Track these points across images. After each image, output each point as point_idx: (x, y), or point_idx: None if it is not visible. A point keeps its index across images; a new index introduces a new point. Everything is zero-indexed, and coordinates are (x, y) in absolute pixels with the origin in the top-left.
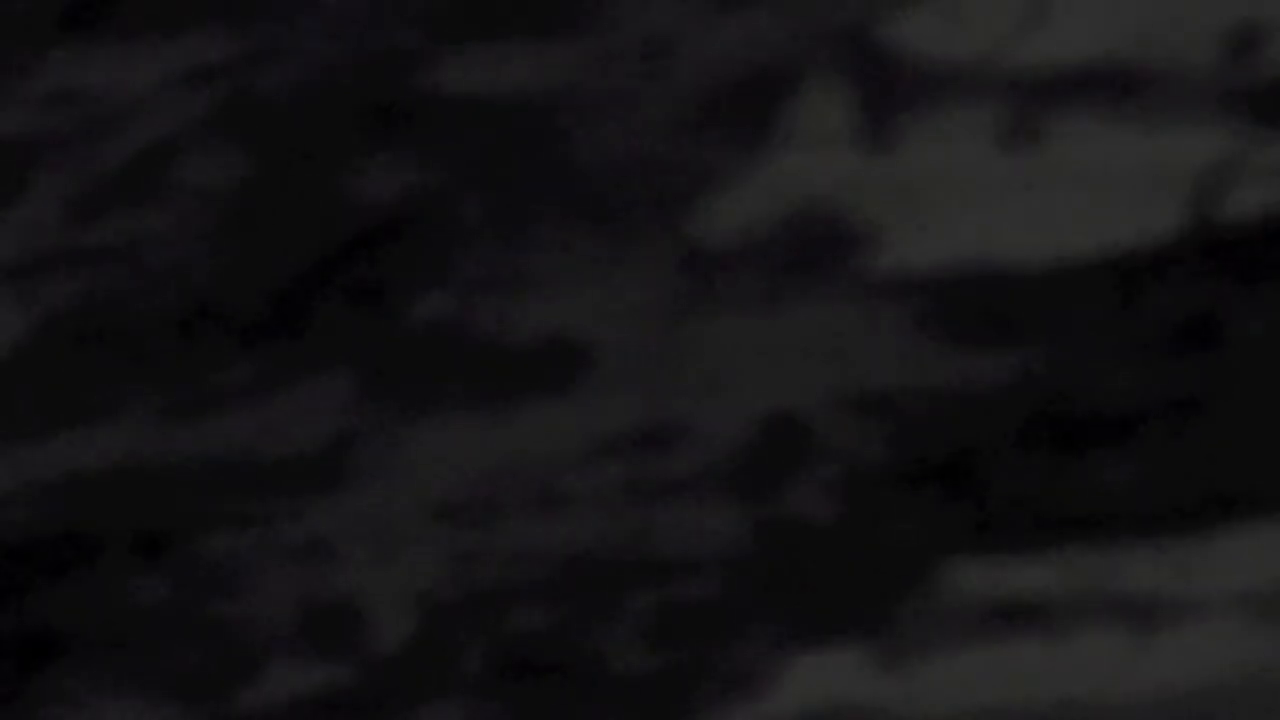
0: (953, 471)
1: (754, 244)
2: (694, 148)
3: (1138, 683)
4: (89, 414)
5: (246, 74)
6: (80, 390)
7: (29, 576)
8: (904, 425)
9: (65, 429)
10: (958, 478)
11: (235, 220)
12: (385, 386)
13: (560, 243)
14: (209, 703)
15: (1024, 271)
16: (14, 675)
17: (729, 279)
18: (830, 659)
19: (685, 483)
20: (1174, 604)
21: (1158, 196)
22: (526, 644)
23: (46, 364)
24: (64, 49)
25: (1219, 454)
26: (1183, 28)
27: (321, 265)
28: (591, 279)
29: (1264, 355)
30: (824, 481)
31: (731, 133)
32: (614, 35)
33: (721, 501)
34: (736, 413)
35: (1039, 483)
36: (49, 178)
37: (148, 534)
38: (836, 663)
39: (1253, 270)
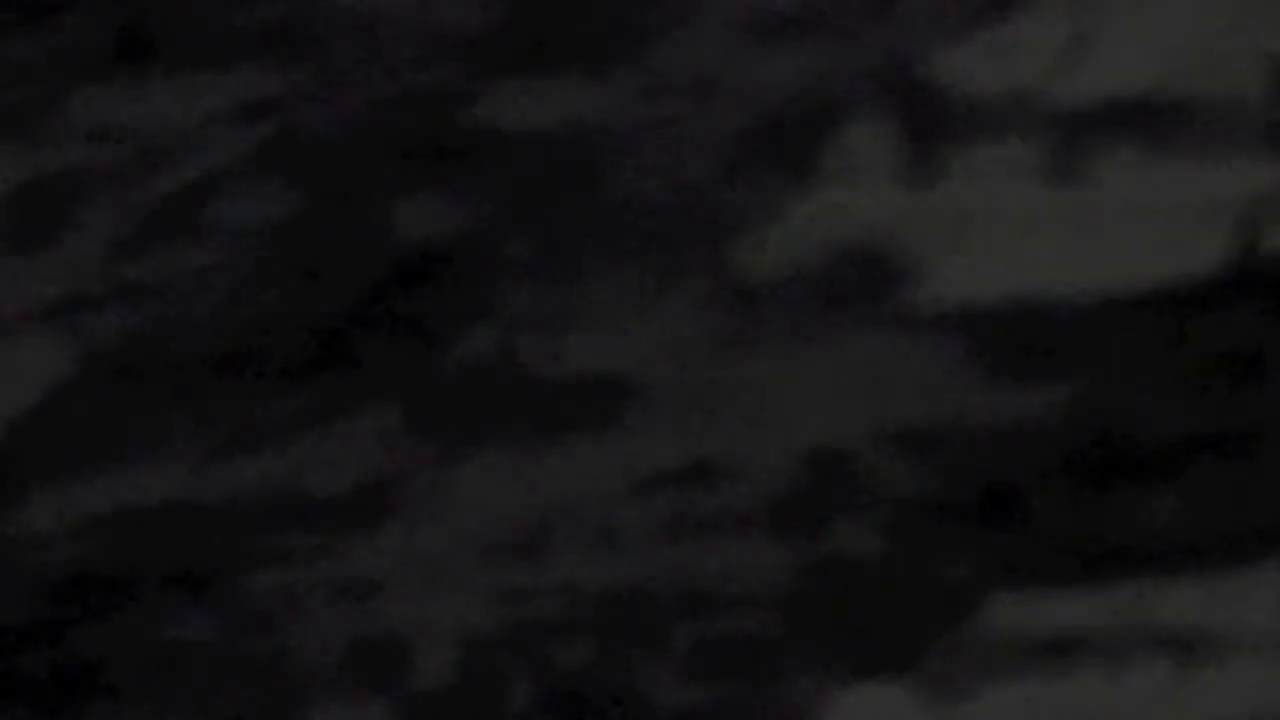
0: (997, 506)
1: (798, 279)
2: (739, 182)
3: (1181, 717)
4: (133, 451)
5: (292, 110)
6: (125, 427)
7: (72, 613)
8: (948, 460)
9: (109, 466)
10: (1002, 512)
11: (280, 256)
12: (430, 423)
13: (605, 278)
14: None
15: (1068, 305)
16: (56, 711)
17: (773, 314)
18: (874, 694)
19: (730, 518)
20: (1218, 638)
21: (1202, 230)
22: (572, 680)
23: (91, 401)
24: (110, 84)
25: (1263, 488)
26: (1227, 61)
27: (366, 301)
28: (636, 315)
29: None
30: (868, 516)
31: (776, 167)
32: (658, 70)
33: (766, 537)
34: (781, 448)
35: (1083, 517)
36: (94, 213)
37: (191, 571)
38: (881, 697)
39: None
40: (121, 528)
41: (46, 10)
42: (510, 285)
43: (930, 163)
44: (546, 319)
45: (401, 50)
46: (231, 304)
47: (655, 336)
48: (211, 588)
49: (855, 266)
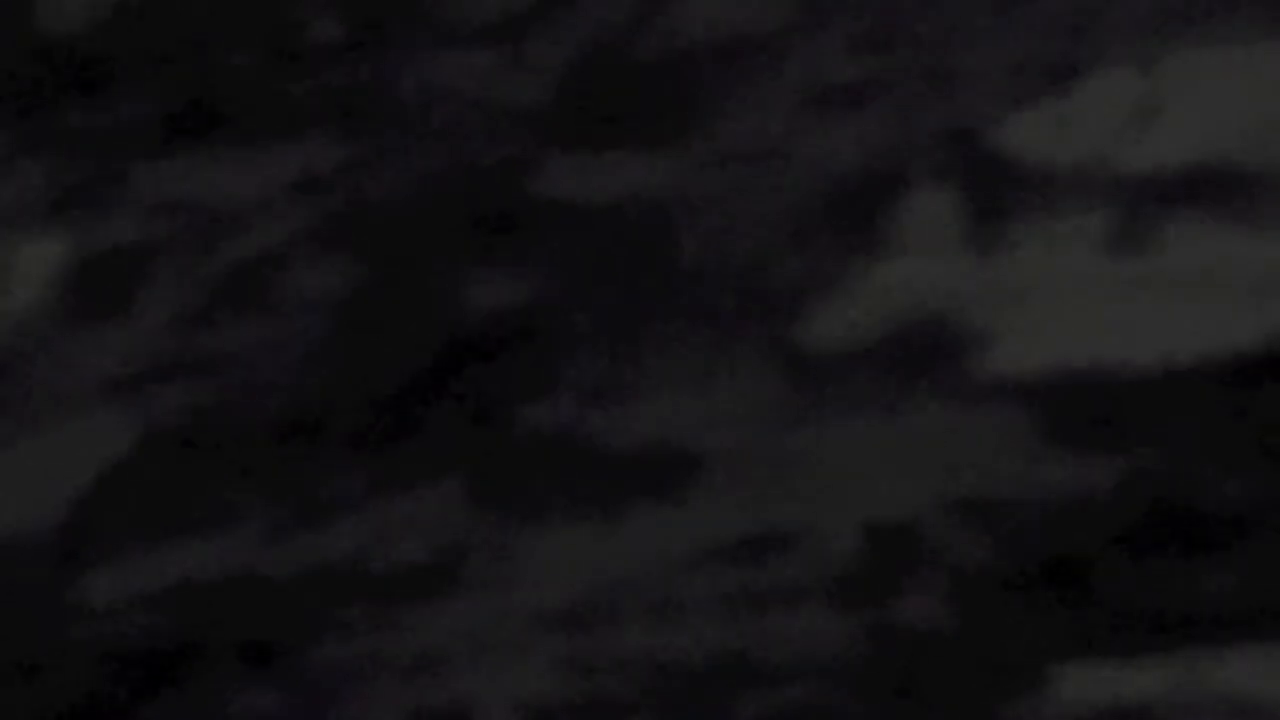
0: (1062, 576)
1: (862, 349)
2: (802, 253)
3: None
4: (198, 523)
5: (355, 182)
6: (190, 500)
7: (138, 686)
8: (1013, 530)
9: (175, 538)
10: (1067, 582)
11: (345, 328)
12: (495, 495)
13: (669, 349)
14: None
15: (1133, 375)
16: None
17: (837, 384)
18: None
19: (794, 590)
20: None
21: (1267, 299)
22: None
23: (156, 473)
24: (174, 157)
25: None
26: None
27: (431, 373)
28: (700, 385)
29: None
30: (933, 587)
31: (840, 237)
32: (722, 141)
33: (830, 608)
34: (845, 519)
35: (1148, 587)
36: (159, 286)
37: (257, 643)
38: None
39: None
40: (186, 601)
41: (109, 83)
42: (574, 356)
43: (994, 232)
44: (610, 390)
45: (466, 122)
46: (297, 376)
47: (719, 407)
48: (276, 660)
49: (919, 336)
